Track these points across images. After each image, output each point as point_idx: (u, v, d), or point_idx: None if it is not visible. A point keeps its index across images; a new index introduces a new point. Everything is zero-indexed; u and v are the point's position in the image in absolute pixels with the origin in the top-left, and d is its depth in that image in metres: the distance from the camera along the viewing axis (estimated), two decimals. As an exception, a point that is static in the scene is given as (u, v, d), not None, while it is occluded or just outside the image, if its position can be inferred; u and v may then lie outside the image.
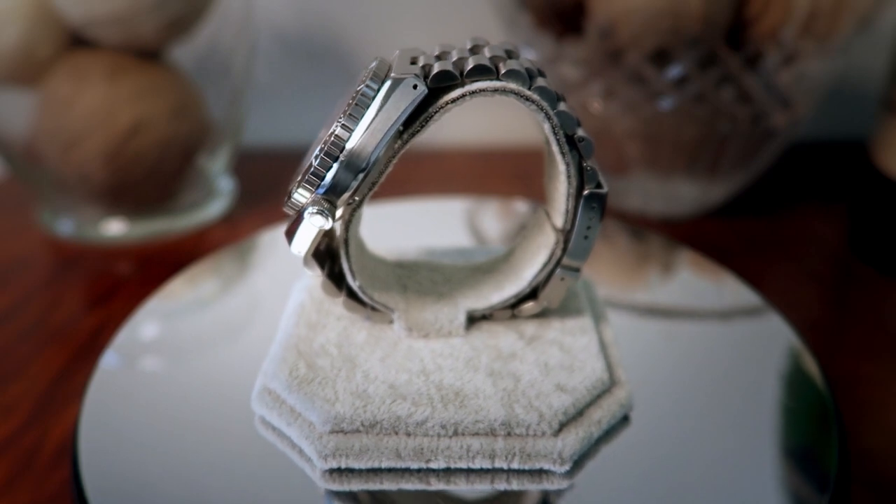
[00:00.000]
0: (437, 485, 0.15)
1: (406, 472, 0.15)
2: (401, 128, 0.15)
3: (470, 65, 0.15)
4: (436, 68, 0.15)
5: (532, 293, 0.18)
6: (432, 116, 0.15)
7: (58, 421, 0.21)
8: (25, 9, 0.28)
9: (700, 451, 0.16)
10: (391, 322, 0.18)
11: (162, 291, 0.22)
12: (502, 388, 0.16)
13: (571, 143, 0.16)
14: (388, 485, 0.15)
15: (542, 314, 0.19)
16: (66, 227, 0.32)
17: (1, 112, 0.30)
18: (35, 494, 0.18)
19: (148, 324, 0.21)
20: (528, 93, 0.15)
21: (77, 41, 0.29)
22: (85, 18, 0.28)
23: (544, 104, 0.16)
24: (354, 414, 0.16)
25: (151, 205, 0.32)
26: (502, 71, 0.15)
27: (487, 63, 0.15)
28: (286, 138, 0.44)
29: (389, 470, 0.15)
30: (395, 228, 0.25)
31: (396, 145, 0.16)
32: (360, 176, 0.15)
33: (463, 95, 0.15)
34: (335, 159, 0.15)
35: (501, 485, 0.15)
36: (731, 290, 0.22)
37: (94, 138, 0.29)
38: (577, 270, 0.18)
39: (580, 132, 0.16)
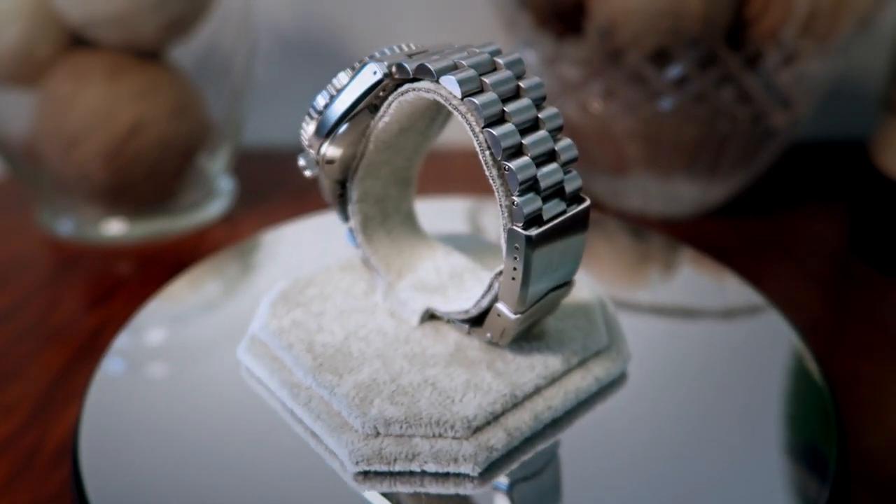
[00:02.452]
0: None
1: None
2: (370, 110, 0.17)
3: (422, 64, 0.15)
4: (398, 62, 0.15)
5: (479, 318, 0.17)
6: (391, 105, 0.16)
7: (58, 421, 0.21)
8: (25, 9, 0.28)
9: (700, 450, 0.16)
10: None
11: (163, 293, 0.22)
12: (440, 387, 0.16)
13: (499, 170, 0.14)
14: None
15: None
16: (66, 227, 0.32)
17: (1, 112, 0.30)
18: (35, 494, 0.18)
19: (149, 325, 0.21)
20: (456, 102, 0.14)
21: (77, 41, 0.29)
22: (85, 18, 0.28)
23: (470, 119, 0.14)
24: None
25: (151, 205, 0.32)
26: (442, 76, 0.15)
27: (431, 66, 0.15)
28: (286, 138, 0.44)
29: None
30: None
31: (371, 124, 0.17)
32: (329, 136, 0.17)
33: (406, 93, 0.15)
34: (312, 118, 0.17)
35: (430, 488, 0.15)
36: (732, 290, 0.22)
37: (94, 138, 0.29)
38: (515, 314, 0.16)
39: (516, 163, 0.14)
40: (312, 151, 0.17)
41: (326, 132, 0.17)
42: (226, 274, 0.24)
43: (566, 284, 0.16)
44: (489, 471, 0.15)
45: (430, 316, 0.18)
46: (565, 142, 0.15)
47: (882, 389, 0.22)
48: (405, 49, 0.16)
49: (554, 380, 0.17)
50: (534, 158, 0.14)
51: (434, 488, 0.15)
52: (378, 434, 0.15)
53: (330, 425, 0.16)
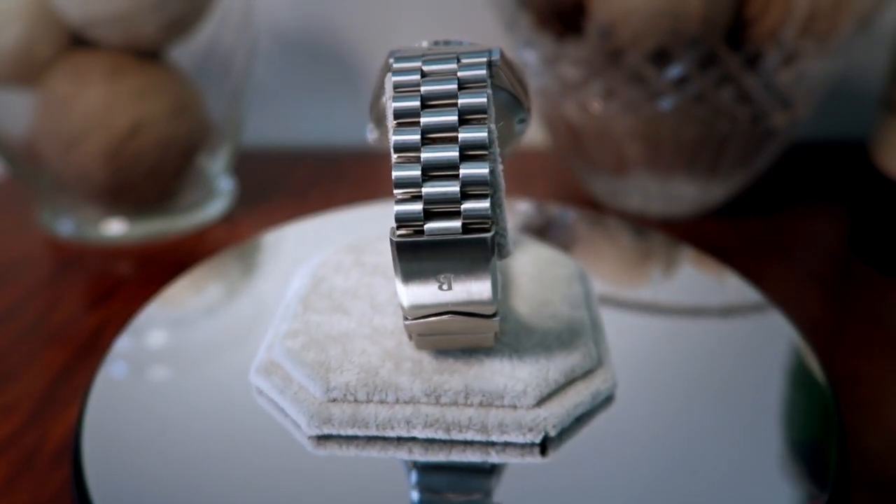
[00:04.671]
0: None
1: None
2: None
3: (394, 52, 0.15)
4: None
5: None
6: None
7: (58, 421, 0.21)
8: (25, 9, 0.28)
9: (700, 449, 0.16)
10: None
11: (164, 294, 0.22)
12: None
13: None
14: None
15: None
16: (66, 227, 0.32)
17: (1, 112, 0.30)
18: (35, 494, 0.18)
19: (150, 326, 0.21)
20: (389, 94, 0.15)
21: (77, 41, 0.29)
22: (85, 18, 0.28)
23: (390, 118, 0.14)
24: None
25: (151, 205, 0.32)
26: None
27: (398, 52, 0.15)
28: (286, 138, 0.44)
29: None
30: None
31: None
32: None
33: None
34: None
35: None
36: (733, 288, 0.22)
37: (94, 138, 0.29)
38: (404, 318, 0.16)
39: (400, 165, 0.14)
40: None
41: None
42: (226, 274, 0.24)
43: (475, 315, 0.15)
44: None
45: None
46: (476, 168, 0.14)
47: (882, 389, 0.22)
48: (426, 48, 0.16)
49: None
50: (425, 169, 0.14)
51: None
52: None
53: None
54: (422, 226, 0.14)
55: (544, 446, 0.16)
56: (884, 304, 0.27)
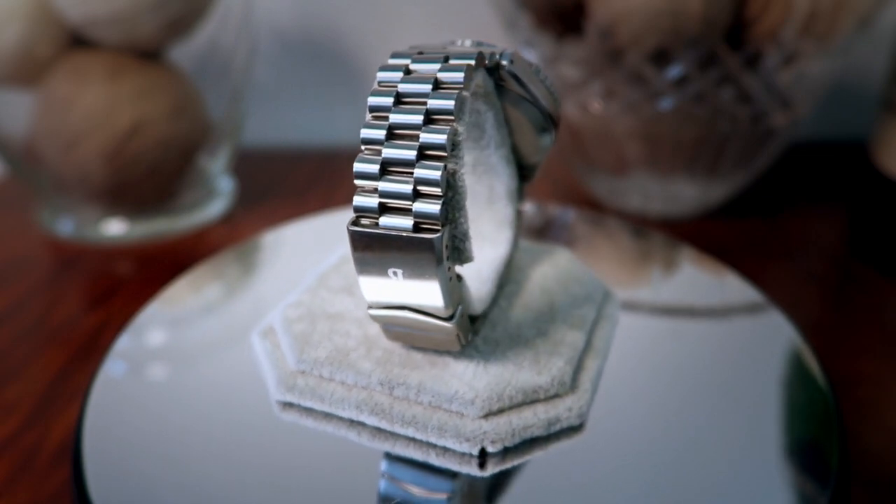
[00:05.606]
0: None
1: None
2: None
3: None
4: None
5: None
6: None
7: (58, 421, 0.21)
8: (25, 9, 0.28)
9: (700, 450, 0.16)
10: None
11: (164, 293, 0.22)
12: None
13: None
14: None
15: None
16: (66, 227, 0.32)
17: (1, 112, 0.30)
18: (35, 494, 0.18)
19: (150, 326, 0.21)
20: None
21: (77, 41, 0.29)
22: (85, 18, 0.28)
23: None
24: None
25: (151, 205, 0.32)
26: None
27: (400, 51, 0.15)
28: (286, 138, 0.44)
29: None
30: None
31: None
32: None
33: None
34: None
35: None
36: (733, 288, 0.22)
37: (94, 138, 0.29)
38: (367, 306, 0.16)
39: (361, 157, 0.14)
40: None
41: None
42: (226, 274, 0.24)
43: (431, 316, 0.15)
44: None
45: None
46: (429, 169, 0.14)
47: (882, 389, 0.22)
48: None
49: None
50: (384, 164, 0.14)
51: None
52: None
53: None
54: (377, 219, 0.14)
55: (483, 460, 0.15)
56: (884, 305, 0.27)
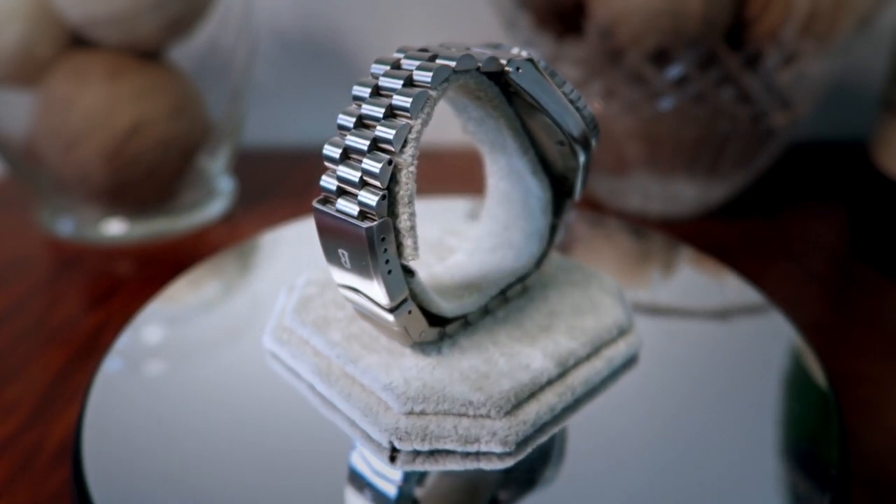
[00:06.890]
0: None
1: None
2: None
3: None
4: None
5: None
6: None
7: (58, 421, 0.21)
8: (25, 9, 0.28)
9: (700, 450, 0.16)
10: None
11: (164, 293, 0.22)
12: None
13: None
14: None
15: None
16: (66, 227, 0.32)
17: (1, 112, 0.30)
18: (35, 494, 0.18)
19: (150, 326, 0.21)
20: None
21: (77, 41, 0.29)
22: (85, 18, 0.28)
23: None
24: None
25: (151, 205, 0.32)
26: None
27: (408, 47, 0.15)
28: (286, 138, 0.44)
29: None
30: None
31: None
32: None
33: None
34: None
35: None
36: (733, 289, 0.22)
37: (94, 138, 0.29)
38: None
39: (333, 140, 0.15)
40: None
41: None
42: (226, 274, 0.24)
43: (374, 303, 0.16)
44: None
45: None
46: (375, 161, 0.14)
47: (882, 389, 0.22)
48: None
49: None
50: (344, 151, 0.15)
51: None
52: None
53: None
54: (335, 201, 0.15)
55: (394, 455, 0.16)
56: (884, 305, 0.27)
